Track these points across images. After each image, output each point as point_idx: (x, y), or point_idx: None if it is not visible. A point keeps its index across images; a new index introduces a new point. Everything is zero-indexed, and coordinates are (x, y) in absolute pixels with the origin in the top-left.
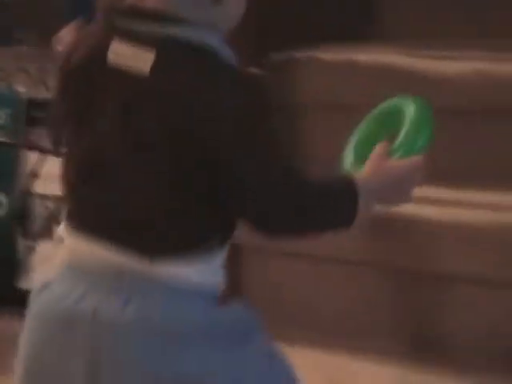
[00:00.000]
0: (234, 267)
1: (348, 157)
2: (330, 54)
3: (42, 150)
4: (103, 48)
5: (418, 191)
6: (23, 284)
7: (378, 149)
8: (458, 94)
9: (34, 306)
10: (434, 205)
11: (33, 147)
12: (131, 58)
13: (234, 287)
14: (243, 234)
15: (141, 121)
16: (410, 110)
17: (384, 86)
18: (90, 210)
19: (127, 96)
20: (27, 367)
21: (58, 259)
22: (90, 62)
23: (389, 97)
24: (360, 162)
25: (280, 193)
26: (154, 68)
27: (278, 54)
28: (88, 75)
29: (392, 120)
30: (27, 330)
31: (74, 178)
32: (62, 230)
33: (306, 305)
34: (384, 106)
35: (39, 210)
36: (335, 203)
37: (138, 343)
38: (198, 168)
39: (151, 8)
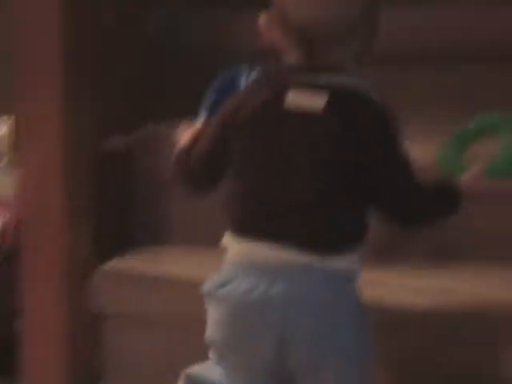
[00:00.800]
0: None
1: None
2: None
3: None
4: (280, 97)
5: None
6: None
7: (475, 171)
8: None
9: (220, 299)
10: None
11: None
12: (307, 100)
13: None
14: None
15: (317, 150)
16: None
17: None
18: (268, 219)
19: (305, 131)
20: (226, 342)
21: (228, 262)
22: (266, 110)
23: None
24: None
25: (415, 196)
26: (327, 106)
27: None
28: (264, 122)
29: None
30: (220, 316)
31: (250, 203)
32: (226, 239)
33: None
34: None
35: None
36: (446, 206)
37: (315, 314)
38: (361, 183)
39: (322, 63)
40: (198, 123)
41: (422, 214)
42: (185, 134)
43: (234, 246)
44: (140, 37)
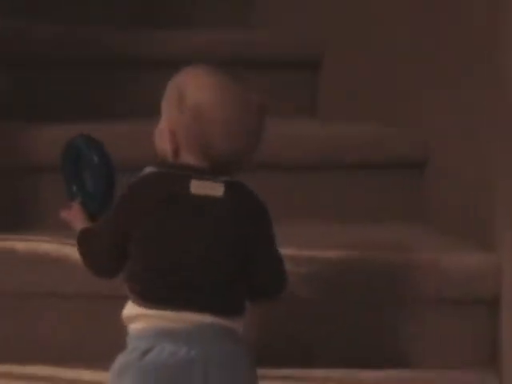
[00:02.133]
0: None
1: None
2: None
3: None
4: (184, 186)
5: None
6: None
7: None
8: None
9: (146, 367)
10: None
11: None
12: (209, 188)
13: None
14: None
15: (221, 228)
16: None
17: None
18: (188, 291)
19: (210, 211)
20: None
21: (141, 333)
22: (172, 196)
23: None
24: None
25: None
26: (226, 192)
27: None
28: (172, 205)
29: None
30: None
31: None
32: (131, 310)
33: None
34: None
35: None
36: None
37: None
38: (245, 264)
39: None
40: (77, 203)
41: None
42: (73, 216)
43: (145, 316)
44: None
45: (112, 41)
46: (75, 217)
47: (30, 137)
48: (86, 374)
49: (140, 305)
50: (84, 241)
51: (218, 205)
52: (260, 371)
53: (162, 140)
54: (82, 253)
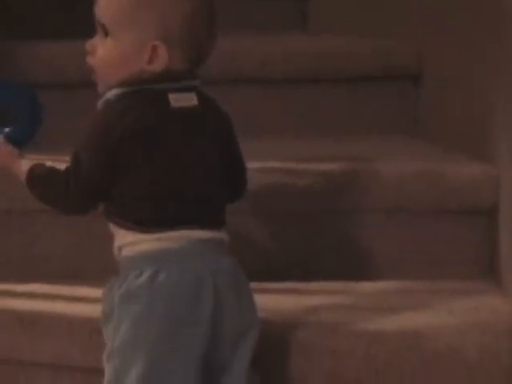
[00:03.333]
0: None
1: None
2: None
3: None
4: (165, 100)
5: None
6: None
7: None
8: None
9: (157, 290)
10: None
11: None
12: (185, 99)
13: None
14: None
15: (204, 141)
16: None
17: None
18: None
19: (192, 123)
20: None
21: (151, 254)
22: (155, 116)
23: None
24: None
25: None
26: (200, 103)
27: None
28: (160, 124)
29: None
30: (160, 305)
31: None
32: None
33: None
34: None
35: None
36: None
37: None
38: (230, 168)
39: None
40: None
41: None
42: (5, 156)
43: (145, 240)
44: None
45: None
46: (9, 155)
47: None
48: (83, 291)
49: (143, 230)
50: (44, 181)
51: (198, 114)
52: (261, 285)
53: (132, 59)
54: (41, 193)
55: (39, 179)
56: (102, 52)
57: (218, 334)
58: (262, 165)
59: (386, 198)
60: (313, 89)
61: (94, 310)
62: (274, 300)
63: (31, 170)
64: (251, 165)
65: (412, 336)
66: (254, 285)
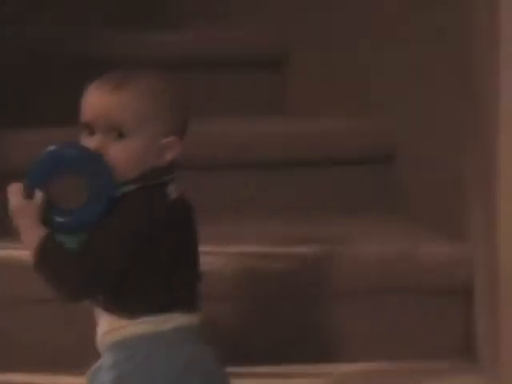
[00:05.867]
0: None
1: None
2: None
3: None
4: (166, 192)
5: None
6: None
7: None
8: None
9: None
10: None
11: None
12: (176, 191)
13: None
14: None
15: (193, 228)
16: None
17: None
18: None
19: (185, 212)
20: None
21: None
22: (164, 205)
23: None
24: None
25: None
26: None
27: None
28: (173, 214)
29: None
30: None
31: None
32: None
33: None
34: None
35: None
36: None
37: None
38: None
39: None
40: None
41: None
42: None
43: (140, 322)
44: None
45: (87, 42)
46: (31, 214)
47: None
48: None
49: (133, 315)
50: (60, 254)
51: (186, 204)
52: (238, 369)
53: (148, 156)
54: (53, 266)
55: (56, 250)
56: (118, 153)
57: None
58: (238, 249)
59: (361, 279)
60: (288, 171)
61: None
62: None
63: (48, 241)
64: (228, 249)
65: None
66: (230, 369)
